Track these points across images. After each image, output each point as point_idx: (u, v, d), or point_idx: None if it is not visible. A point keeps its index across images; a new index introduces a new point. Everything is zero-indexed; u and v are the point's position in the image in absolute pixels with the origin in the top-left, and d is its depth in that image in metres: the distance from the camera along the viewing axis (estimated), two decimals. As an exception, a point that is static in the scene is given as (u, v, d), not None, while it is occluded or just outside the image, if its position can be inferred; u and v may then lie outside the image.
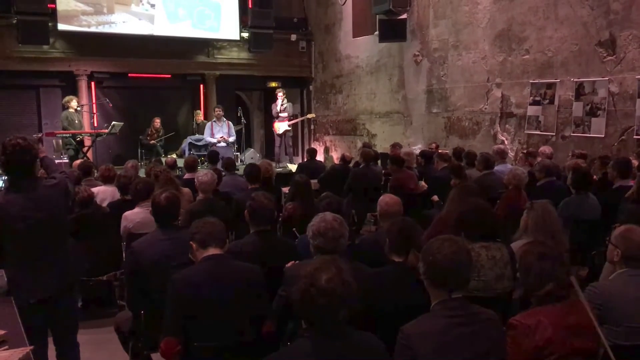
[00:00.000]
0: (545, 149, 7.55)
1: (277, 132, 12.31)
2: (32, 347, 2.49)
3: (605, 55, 7.72)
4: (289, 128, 12.40)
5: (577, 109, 8.09)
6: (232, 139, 11.45)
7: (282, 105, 12.18)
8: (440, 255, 2.30)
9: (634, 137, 7.32)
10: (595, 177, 6.09)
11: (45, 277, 3.20)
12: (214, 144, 11.04)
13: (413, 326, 2.26)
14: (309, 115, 13.74)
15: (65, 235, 3.41)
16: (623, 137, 7.50)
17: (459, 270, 2.32)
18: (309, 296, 1.99)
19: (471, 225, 3.36)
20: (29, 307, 3.07)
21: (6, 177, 3.29)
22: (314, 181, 6.96)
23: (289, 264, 3.28)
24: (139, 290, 3.39)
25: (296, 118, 13.27)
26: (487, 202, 4.02)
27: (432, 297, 2.36)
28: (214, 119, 11.47)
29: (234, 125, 11.80)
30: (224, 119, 11.46)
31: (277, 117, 12.23)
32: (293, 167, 10.98)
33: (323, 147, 14.10)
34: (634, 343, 2.60)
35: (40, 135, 3.20)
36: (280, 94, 12.30)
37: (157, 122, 12.19)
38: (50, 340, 3.39)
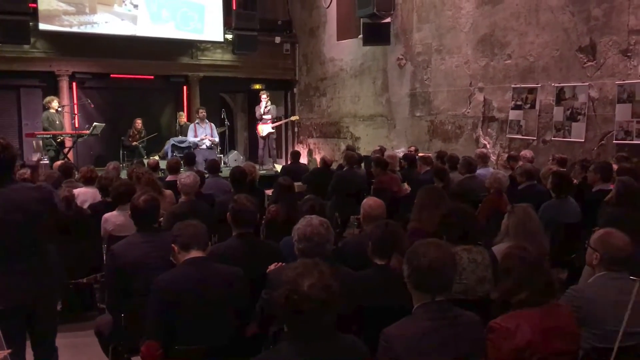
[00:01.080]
0: (527, 153, 7.64)
1: (261, 135, 12.29)
2: (9, 351, 2.46)
3: (585, 60, 7.83)
4: (273, 130, 12.38)
5: (558, 113, 8.19)
6: (215, 139, 11.45)
7: (265, 107, 12.17)
8: (425, 260, 2.30)
9: (613, 141, 7.43)
10: (575, 180, 6.17)
11: (21, 283, 3.12)
12: (196, 144, 11.03)
13: (395, 328, 2.27)
14: (293, 118, 13.75)
15: (45, 241, 3.30)
16: (603, 141, 7.61)
17: (443, 275, 2.32)
18: (292, 303, 1.97)
19: (452, 228, 3.37)
20: (7, 310, 3.02)
21: None
22: (298, 183, 6.96)
23: (272, 267, 3.27)
24: (119, 293, 3.36)
25: (280, 120, 13.26)
26: (464, 204, 4.02)
27: (415, 300, 2.36)
28: (197, 120, 11.46)
29: (217, 127, 11.78)
30: (207, 121, 11.47)
31: (261, 119, 12.22)
32: (279, 169, 10.98)
33: (307, 149, 14.10)
34: (612, 346, 2.63)
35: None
36: (264, 97, 12.28)
37: (139, 122, 12.08)
38: (28, 344, 3.34)
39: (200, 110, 11.58)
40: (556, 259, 4.54)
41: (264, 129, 12.21)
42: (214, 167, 7.34)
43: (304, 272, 2.03)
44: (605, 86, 7.58)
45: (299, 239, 3.00)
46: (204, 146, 11.13)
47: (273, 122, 12.35)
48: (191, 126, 11.44)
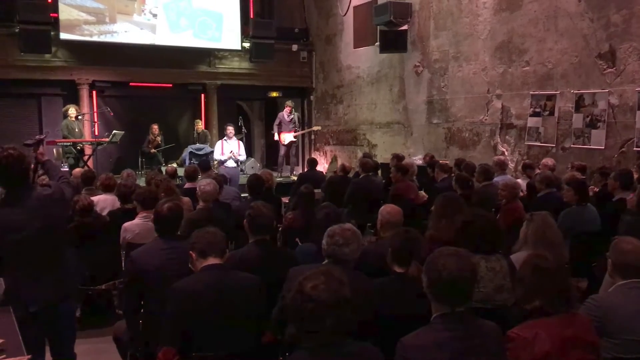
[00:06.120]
0: (548, 160, 7.55)
1: (283, 143, 12.25)
2: (29, 357, 2.49)
3: (605, 67, 7.75)
4: (295, 139, 12.37)
5: (577, 120, 8.11)
6: (242, 157, 11.08)
7: (289, 116, 12.15)
8: (445, 273, 2.26)
9: (634, 149, 7.33)
10: (595, 188, 6.09)
11: (43, 286, 3.18)
12: (223, 162, 10.74)
13: (412, 338, 2.26)
14: (315, 128, 13.74)
15: (63, 244, 3.39)
16: (623, 149, 7.51)
17: (463, 288, 2.29)
18: (295, 303, 2.03)
19: (472, 237, 3.34)
20: (27, 316, 3.06)
21: None
22: (316, 191, 6.97)
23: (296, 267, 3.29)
24: (138, 299, 3.38)
25: (301, 129, 13.19)
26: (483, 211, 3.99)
27: (434, 309, 2.33)
28: (225, 138, 10.99)
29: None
30: (235, 138, 11.06)
31: (281, 126, 12.14)
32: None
33: (324, 157, 14.11)
34: (633, 356, 2.58)
35: (42, 136, 3.19)
36: (289, 106, 12.24)
37: (155, 128, 12.06)
38: (47, 349, 3.37)
39: (229, 128, 11.03)
40: (576, 268, 4.48)
41: (286, 137, 12.20)
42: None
43: (311, 275, 2.08)
44: (626, 93, 7.49)
45: (327, 242, 3.07)
46: (230, 163, 10.79)
47: (296, 131, 12.35)
48: (218, 143, 10.99)
